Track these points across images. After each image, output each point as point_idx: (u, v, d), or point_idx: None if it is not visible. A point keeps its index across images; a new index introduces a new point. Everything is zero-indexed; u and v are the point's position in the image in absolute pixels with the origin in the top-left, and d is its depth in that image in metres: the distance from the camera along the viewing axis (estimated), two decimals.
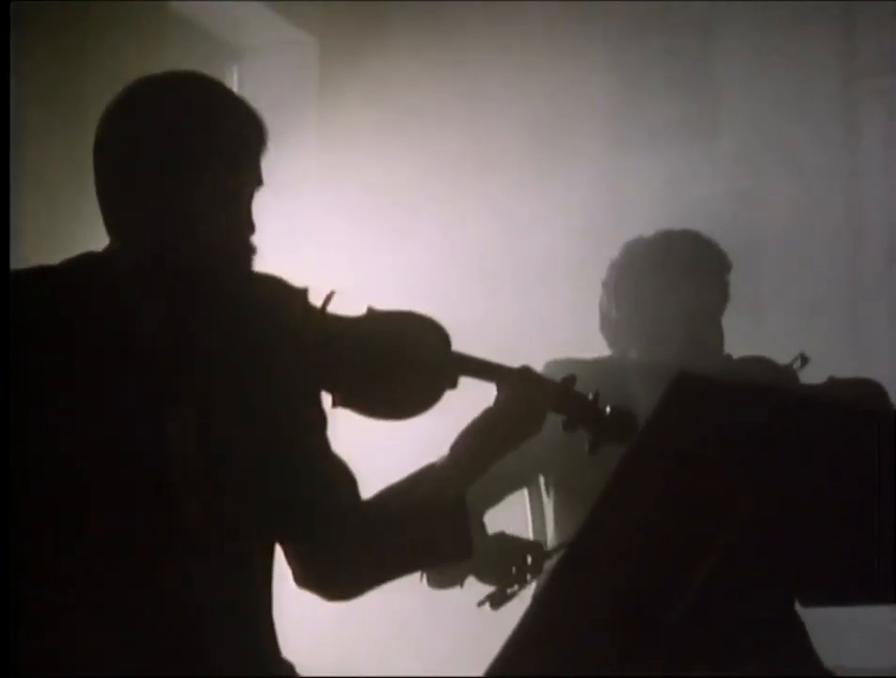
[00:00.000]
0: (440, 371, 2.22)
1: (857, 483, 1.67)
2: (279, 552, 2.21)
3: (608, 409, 2.28)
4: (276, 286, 2.17)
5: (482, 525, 2.82)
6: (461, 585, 2.74)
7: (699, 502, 1.59)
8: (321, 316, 2.16)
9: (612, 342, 3.22)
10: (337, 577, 2.24)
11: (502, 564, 2.67)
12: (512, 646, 1.47)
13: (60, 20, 3.89)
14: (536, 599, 1.63)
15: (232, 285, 2.10)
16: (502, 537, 2.74)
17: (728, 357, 3.20)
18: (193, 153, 2.05)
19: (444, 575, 2.74)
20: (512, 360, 2.29)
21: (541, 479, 3.12)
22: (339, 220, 4.54)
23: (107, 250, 2.13)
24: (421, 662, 4.27)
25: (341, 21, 4.82)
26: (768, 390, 1.69)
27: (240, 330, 2.12)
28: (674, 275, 3.14)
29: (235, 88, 4.67)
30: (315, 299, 2.18)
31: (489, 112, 4.63)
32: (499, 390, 2.25)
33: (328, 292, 2.19)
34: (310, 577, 2.23)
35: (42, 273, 2.10)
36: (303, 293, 2.17)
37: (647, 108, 4.60)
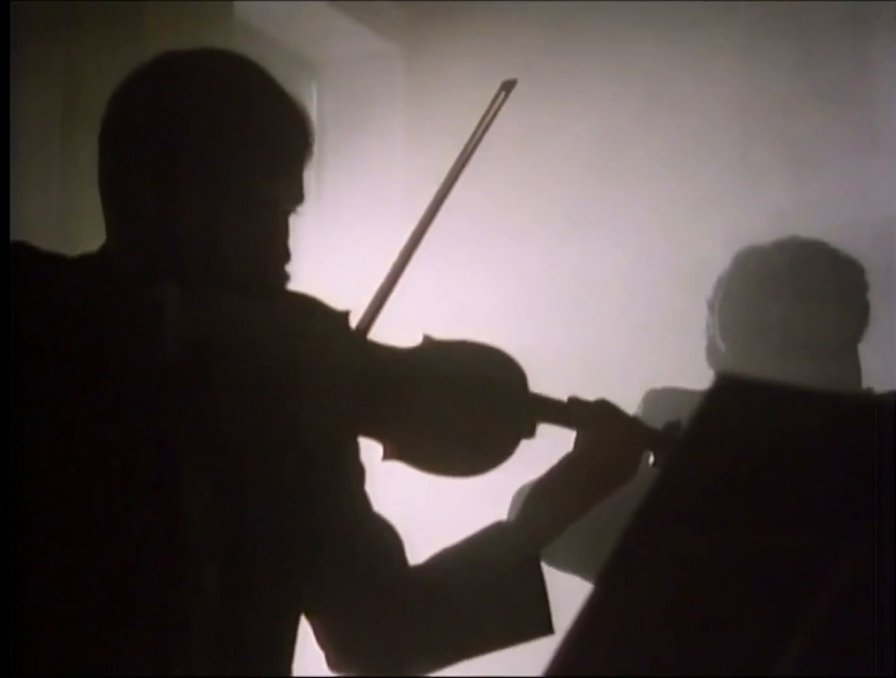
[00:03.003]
0: (515, 416, 1.83)
1: None
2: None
3: None
4: (310, 307, 1.81)
5: None
6: None
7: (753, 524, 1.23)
8: (365, 345, 1.79)
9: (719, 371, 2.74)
10: (382, 662, 1.95)
11: None
12: (570, 645, 1.25)
13: (113, 25, 3.63)
14: (592, 593, 1.36)
15: (259, 308, 1.77)
16: None
17: (869, 392, 2.70)
18: (222, 146, 1.78)
19: None
20: (597, 393, 1.95)
21: None
22: (427, 242, 4.24)
23: (104, 249, 1.83)
24: None
25: (428, 29, 4.51)
26: (832, 393, 1.23)
27: (266, 358, 1.76)
28: (795, 294, 2.68)
29: (314, 106, 4.56)
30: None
31: (589, 126, 4.26)
32: (579, 433, 1.92)
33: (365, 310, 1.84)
34: (348, 661, 1.95)
35: (52, 263, 1.77)
36: (344, 316, 1.79)
37: (784, 119, 4.19)
